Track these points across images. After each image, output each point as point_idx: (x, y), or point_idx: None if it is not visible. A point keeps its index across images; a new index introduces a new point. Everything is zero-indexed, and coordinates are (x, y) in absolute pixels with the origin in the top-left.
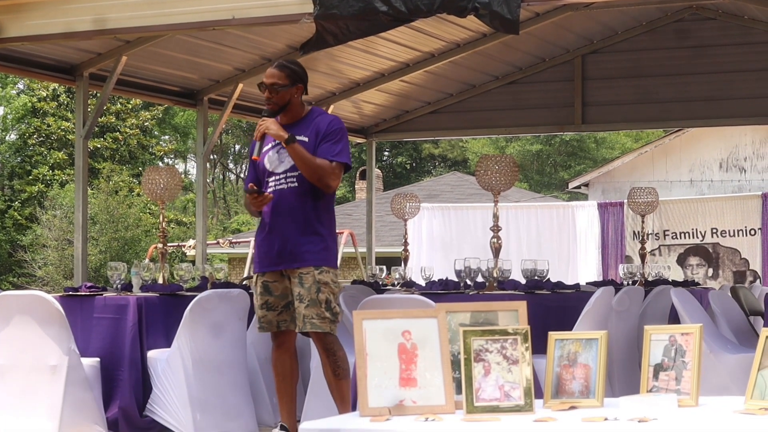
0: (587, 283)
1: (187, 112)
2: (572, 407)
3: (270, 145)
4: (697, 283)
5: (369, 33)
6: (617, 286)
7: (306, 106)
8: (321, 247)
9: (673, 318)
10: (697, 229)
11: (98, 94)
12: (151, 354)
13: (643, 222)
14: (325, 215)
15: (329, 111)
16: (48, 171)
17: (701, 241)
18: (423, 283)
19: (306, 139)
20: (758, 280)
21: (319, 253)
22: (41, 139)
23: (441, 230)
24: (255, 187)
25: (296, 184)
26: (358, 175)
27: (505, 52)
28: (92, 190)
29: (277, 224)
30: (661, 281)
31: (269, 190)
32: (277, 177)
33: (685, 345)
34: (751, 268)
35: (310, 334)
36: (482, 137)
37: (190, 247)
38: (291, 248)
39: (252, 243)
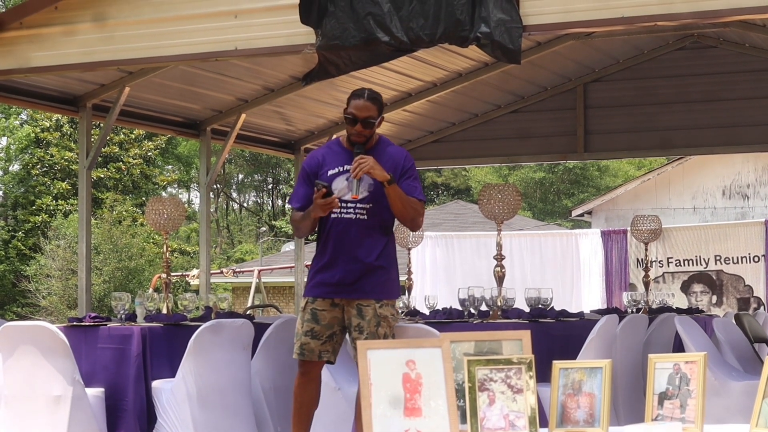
0: (591, 311)
1: (190, 142)
2: None
3: (336, 170)
4: (701, 311)
5: (371, 63)
6: (621, 314)
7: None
8: (383, 280)
9: (678, 345)
10: (700, 257)
11: (101, 125)
12: (156, 384)
13: (646, 250)
14: (390, 250)
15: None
16: (51, 201)
17: (705, 268)
18: (427, 311)
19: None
20: (762, 307)
21: (381, 287)
22: (44, 169)
23: (444, 259)
24: (326, 184)
25: (366, 217)
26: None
27: (508, 81)
28: (96, 219)
29: (339, 254)
30: (665, 309)
31: (333, 216)
32: (344, 205)
33: (690, 373)
34: (755, 294)
35: None
36: (485, 166)
37: (193, 276)
38: (353, 280)
39: (256, 272)
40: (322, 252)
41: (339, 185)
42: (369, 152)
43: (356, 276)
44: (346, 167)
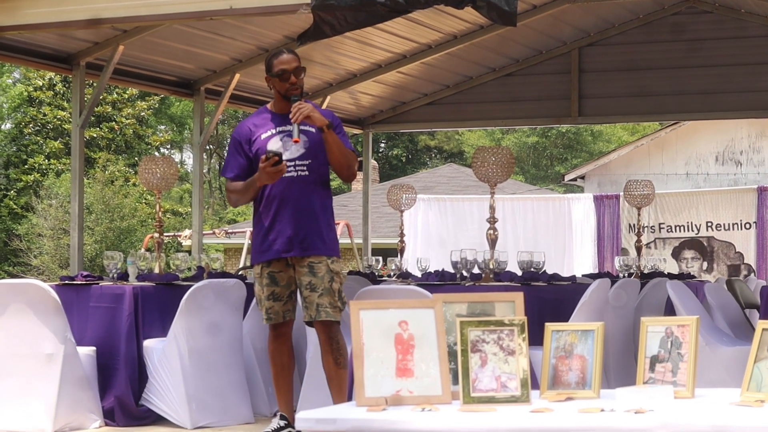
0: (583, 275)
1: (183, 102)
2: (569, 398)
3: (270, 133)
4: (693, 276)
5: (366, 24)
6: (613, 279)
7: None
8: (331, 237)
9: (669, 311)
10: (692, 223)
11: (95, 84)
12: (147, 343)
13: (639, 215)
14: (331, 205)
15: (326, 102)
16: (44, 160)
17: (696, 234)
18: (419, 274)
19: (313, 129)
20: (752, 274)
21: (330, 242)
22: (37, 128)
23: (437, 222)
24: (279, 152)
25: (307, 172)
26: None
27: (502, 45)
28: (88, 179)
29: (286, 212)
30: (657, 274)
31: None
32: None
33: (682, 337)
34: (745, 261)
35: (316, 323)
36: (479, 129)
37: (185, 237)
38: (303, 236)
39: (248, 233)
40: (265, 214)
41: (274, 146)
42: None
43: (305, 232)
44: (279, 129)
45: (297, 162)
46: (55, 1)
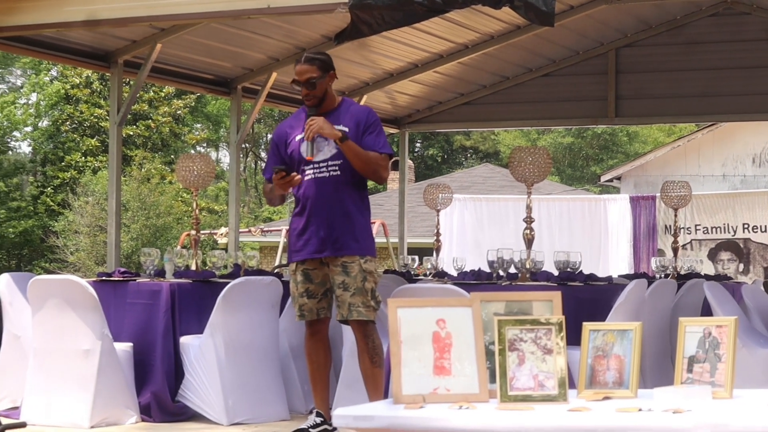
0: (619, 276)
1: (220, 100)
2: (606, 398)
3: (303, 135)
4: (730, 278)
5: (403, 23)
6: (650, 279)
7: (337, 95)
8: (365, 236)
9: (706, 312)
10: (728, 224)
11: (132, 82)
12: (184, 340)
13: (675, 215)
14: (366, 204)
15: (362, 101)
16: (80, 157)
17: (733, 236)
18: (455, 273)
19: (347, 129)
20: None
21: (364, 242)
22: (74, 125)
23: (473, 221)
24: (283, 167)
25: (338, 172)
26: (389, 165)
27: (539, 45)
28: (124, 177)
29: (319, 212)
30: (694, 275)
31: (307, 178)
32: (317, 165)
33: (720, 337)
34: None
35: (351, 322)
36: (515, 129)
37: (221, 235)
38: (336, 237)
39: (284, 231)
40: (300, 214)
41: (305, 148)
42: (332, 113)
43: (338, 233)
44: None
45: (329, 162)
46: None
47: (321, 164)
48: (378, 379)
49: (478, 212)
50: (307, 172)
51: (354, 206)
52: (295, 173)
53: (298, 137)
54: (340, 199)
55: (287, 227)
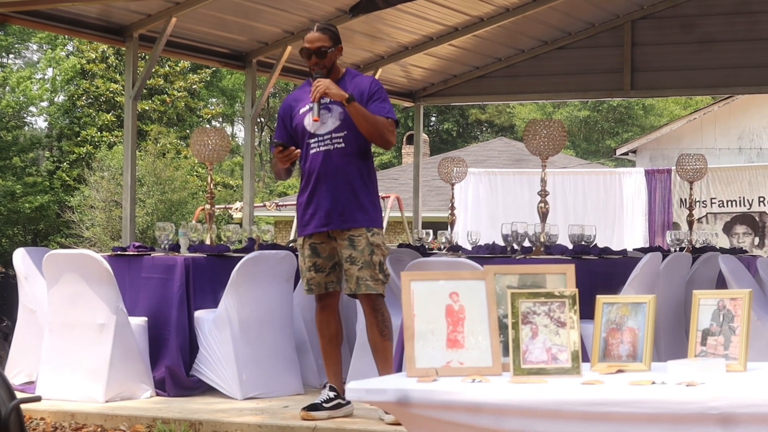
0: (634, 249)
1: (235, 75)
2: (619, 371)
3: (307, 107)
4: (745, 251)
5: None
6: (665, 253)
7: (341, 68)
8: (371, 209)
9: (721, 285)
10: (744, 198)
11: (147, 56)
12: (198, 314)
13: (691, 189)
14: (372, 177)
15: (377, 74)
16: (96, 132)
17: (748, 209)
18: (469, 247)
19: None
20: None
21: (370, 214)
22: (90, 101)
23: (487, 195)
24: (281, 143)
25: (343, 144)
26: (405, 139)
27: (555, 17)
28: (140, 152)
29: (324, 185)
30: (709, 248)
31: (312, 151)
32: (321, 138)
33: (734, 310)
34: None
35: (359, 295)
36: (530, 102)
37: (236, 209)
38: (342, 209)
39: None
40: (305, 188)
41: (310, 121)
42: (337, 83)
43: (344, 205)
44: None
45: (333, 134)
46: None
47: (325, 136)
48: (387, 352)
49: (492, 186)
50: (312, 145)
51: (359, 178)
52: (293, 147)
53: (302, 110)
54: (345, 171)
55: None
